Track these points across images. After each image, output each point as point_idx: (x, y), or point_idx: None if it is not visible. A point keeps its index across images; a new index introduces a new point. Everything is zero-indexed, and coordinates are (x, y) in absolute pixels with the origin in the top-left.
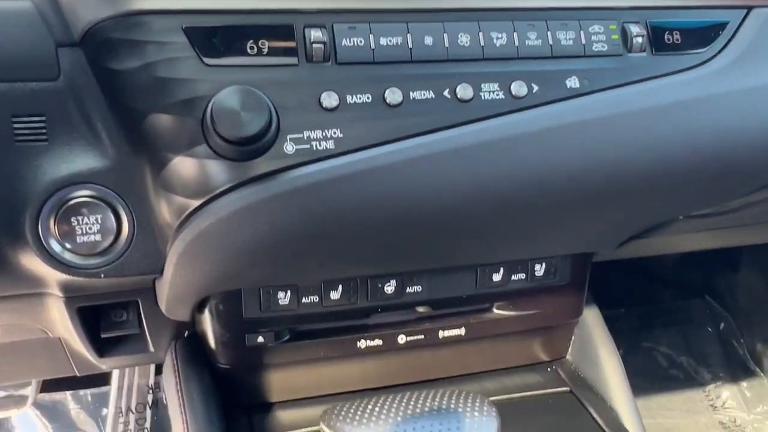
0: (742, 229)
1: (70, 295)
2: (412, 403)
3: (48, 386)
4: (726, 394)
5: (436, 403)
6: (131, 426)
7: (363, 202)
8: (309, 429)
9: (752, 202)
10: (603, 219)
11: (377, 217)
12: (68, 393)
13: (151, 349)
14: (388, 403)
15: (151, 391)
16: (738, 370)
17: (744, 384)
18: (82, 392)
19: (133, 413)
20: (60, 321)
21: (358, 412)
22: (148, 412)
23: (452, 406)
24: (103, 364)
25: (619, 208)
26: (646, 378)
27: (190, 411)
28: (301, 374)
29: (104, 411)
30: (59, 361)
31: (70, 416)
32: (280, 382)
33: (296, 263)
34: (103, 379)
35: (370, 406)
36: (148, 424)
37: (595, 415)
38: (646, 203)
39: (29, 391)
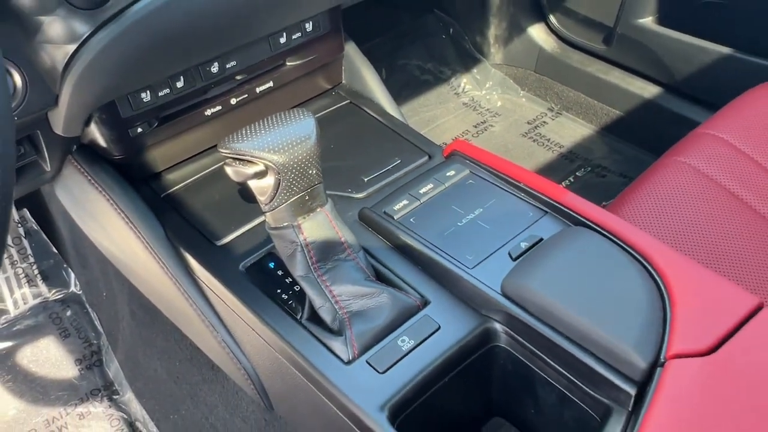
0: None
1: None
2: (268, 122)
3: None
4: (464, 81)
5: (277, 118)
6: (16, 257)
7: (189, 11)
8: (205, 172)
9: None
10: None
11: (203, 19)
12: None
13: (48, 168)
14: (254, 127)
15: (19, 225)
16: (468, 61)
17: (474, 70)
18: None
19: (12, 246)
20: None
21: (238, 136)
22: (25, 241)
23: (287, 117)
24: None
25: None
26: (407, 88)
27: (107, 188)
28: (176, 145)
29: None
30: None
31: None
32: (163, 155)
33: (151, 67)
34: None
35: (244, 131)
36: (30, 252)
37: (368, 110)
38: None
39: None
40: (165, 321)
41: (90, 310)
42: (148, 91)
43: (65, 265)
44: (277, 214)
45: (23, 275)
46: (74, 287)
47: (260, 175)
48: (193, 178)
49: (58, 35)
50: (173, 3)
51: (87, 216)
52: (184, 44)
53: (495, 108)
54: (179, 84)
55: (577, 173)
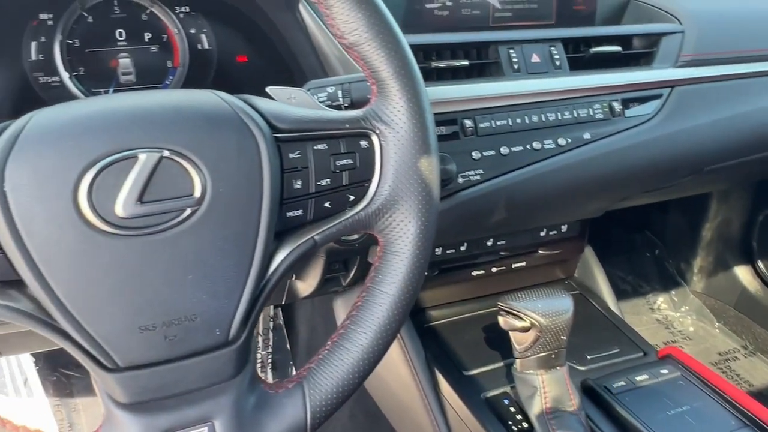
0: (674, 192)
1: (332, 259)
2: (538, 292)
3: None
4: (660, 299)
5: (545, 291)
6: (260, 344)
7: (494, 203)
8: (462, 315)
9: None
10: (606, 200)
11: (500, 210)
12: None
13: (343, 283)
14: (528, 293)
15: (272, 320)
16: (668, 283)
17: (672, 292)
18: None
19: (260, 335)
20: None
21: (517, 297)
22: (271, 334)
23: (552, 292)
24: (304, 293)
25: (611, 195)
26: None
27: None
28: (445, 291)
29: None
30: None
31: None
32: (434, 296)
33: (453, 234)
34: None
35: (521, 295)
36: (271, 343)
37: (594, 303)
38: (626, 191)
39: None
40: (383, 427)
41: None
42: (441, 248)
43: (291, 362)
44: (527, 362)
45: (259, 361)
46: None
47: (524, 329)
48: (453, 318)
49: None
50: (484, 197)
51: None
52: (481, 224)
53: (687, 332)
54: (462, 248)
55: None
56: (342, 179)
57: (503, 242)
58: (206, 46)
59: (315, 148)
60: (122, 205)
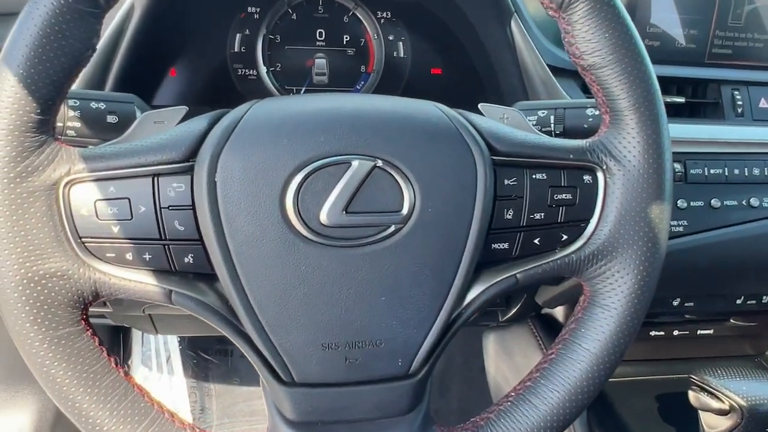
0: None
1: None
2: (737, 371)
3: None
4: None
5: (744, 371)
6: None
7: (694, 260)
8: (635, 378)
9: None
10: None
11: (700, 269)
12: None
13: (500, 319)
14: (732, 371)
15: None
16: None
17: None
18: None
19: None
20: None
21: (721, 372)
22: None
23: (756, 374)
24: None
25: None
26: None
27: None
28: None
29: None
30: None
31: None
32: None
33: None
34: None
35: (718, 371)
36: None
37: None
38: None
39: None
40: None
41: None
42: None
43: None
44: None
45: None
46: None
47: (722, 412)
48: (621, 378)
49: None
50: (684, 252)
51: (507, 360)
52: (674, 281)
53: None
54: None
55: None
56: (557, 215)
57: (692, 304)
58: (402, 54)
59: (533, 176)
60: (327, 212)
